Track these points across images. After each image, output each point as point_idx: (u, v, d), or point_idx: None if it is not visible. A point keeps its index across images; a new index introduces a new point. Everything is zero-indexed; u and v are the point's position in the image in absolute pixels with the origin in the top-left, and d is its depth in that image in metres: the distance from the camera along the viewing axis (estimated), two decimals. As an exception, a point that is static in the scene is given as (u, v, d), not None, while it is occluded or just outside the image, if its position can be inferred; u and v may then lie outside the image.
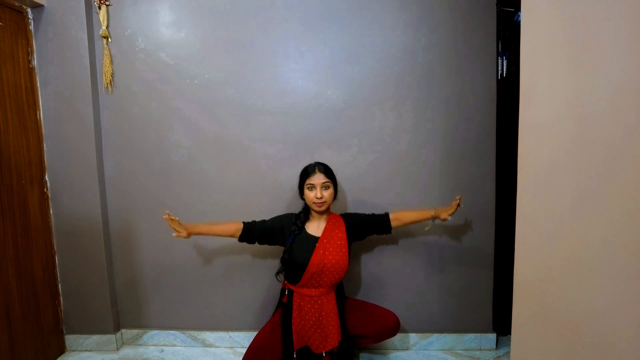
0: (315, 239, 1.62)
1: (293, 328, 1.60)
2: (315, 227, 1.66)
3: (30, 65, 1.83)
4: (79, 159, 1.89)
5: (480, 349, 1.96)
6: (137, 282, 2.03)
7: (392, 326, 1.64)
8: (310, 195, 1.60)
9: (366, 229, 1.71)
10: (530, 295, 0.98)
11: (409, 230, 1.91)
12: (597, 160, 0.74)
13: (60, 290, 1.98)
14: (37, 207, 1.85)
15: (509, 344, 1.93)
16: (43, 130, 1.88)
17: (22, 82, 1.78)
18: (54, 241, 1.95)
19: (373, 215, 1.71)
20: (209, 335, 2.04)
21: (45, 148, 1.90)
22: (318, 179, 1.59)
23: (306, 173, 1.62)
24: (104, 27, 1.84)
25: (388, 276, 1.96)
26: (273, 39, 1.84)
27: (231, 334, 2.03)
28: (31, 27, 1.82)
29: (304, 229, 1.66)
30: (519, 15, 1.87)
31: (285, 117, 1.88)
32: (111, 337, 2.00)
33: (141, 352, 2.00)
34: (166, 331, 2.05)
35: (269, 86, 1.87)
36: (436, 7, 1.79)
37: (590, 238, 0.77)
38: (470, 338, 1.96)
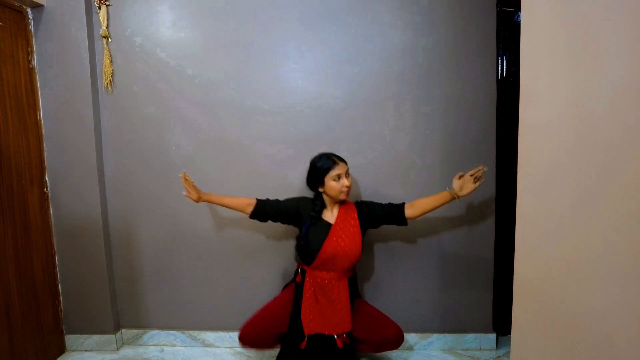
0: (329, 226, 1.64)
1: (303, 308, 1.61)
2: (329, 214, 1.67)
3: (30, 65, 1.83)
4: (79, 159, 1.89)
5: (480, 349, 1.96)
6: (137, 282, 2.03)
7: (392, 339, 1.61)
8: (337, 186, 1.59)
9: (380, 219, 1.69)
10: (530, 295, 0.98)
11: (410, 230, 1.90)
12: (597, 160, 0.74)
13: (60, 290, 1.98)
14: (37, 207, 1.85)
15: (509, 344, 1.93)
16: (43, 130, 1.88)
17: (22, 82, 1.78)
18: (54, 241, 1.95)
19: (389, 205, 1.69)
20: (209, 335, 2.04)
21: (45, 148, 1.90)
22: (342, 168, 1.60)
23: (328, 166, 1.59)
24: (104, 27, 1.84)
25: (388, 276, 1.96)
26: (273, 39, 1.84)
27: (231, 334, 2.03)
28: (31, 27, 1.82)
29: (321, 216, 1.67)
30: (519, 15, 1.87)
31: (285, 117, 1.88)
32: (111, 337, 2.00)
33: (141, 352, 2.00)
34: (166, 331, 2.05)
35: (269, 86, 1.87)
36: (436, 7, 1.79)
37: (590, 238, 0.77)
38: (470, 338, 1.96)
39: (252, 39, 1.85)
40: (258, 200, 1.70)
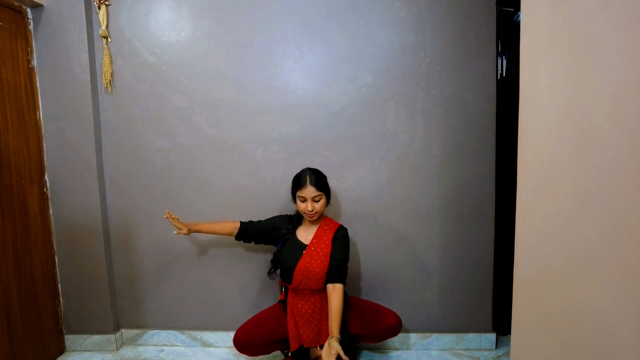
0: (303, 246, 1.64)
1: (288, 326, 1.63)
2: (305, 233, 1.68)
3: (30, 65, 1.82)
4: (78, 159, 1.89)
5: (480, 349, 1.96)
6: (137, 282, 2.03)
7: (392, 326, 1.64)
8: (301, 206, 1.61)
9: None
10: (530, 295, 0.98)
11: (409, 231, 1.91)
12: (597, 160, 0.74)
13: (60, 290, 1.98)
14: (37, 207, 1.85)
15: (508, 344, 1.93)
16: (43, 130, 1.88)
17: (21, 82, 1.77)
18: (54, 241, 1.95)
19: (334, 264, 1.59)
20: (209, 335, 2.04)
21: (45, 148, 1.89)
22: (309, 192, 1.58)
23: (298, 183, 1.61)
24: (103, 27, 1.84)
25: (388, 276, 1.96)
26: (273, 39, 1.84)
27: (231, 334, 2.01)
28: (31, 27, 1.82)
29: (295, 234, 1.68)
30: (519, 15, 1.87)
31: (285, 117, 1.88)
32: (111, 337, 2.00)
33: (141, 352, 2.00)
34: (166, 331, 2.05)
35: (268, 86, 1.87)
36: (436, 7, 1.79)
37: (589, 238, 0.77)
38: (470, 338, 1.96)
39: (252, 38, 1.84)
40: (242, 223, 1.72)
